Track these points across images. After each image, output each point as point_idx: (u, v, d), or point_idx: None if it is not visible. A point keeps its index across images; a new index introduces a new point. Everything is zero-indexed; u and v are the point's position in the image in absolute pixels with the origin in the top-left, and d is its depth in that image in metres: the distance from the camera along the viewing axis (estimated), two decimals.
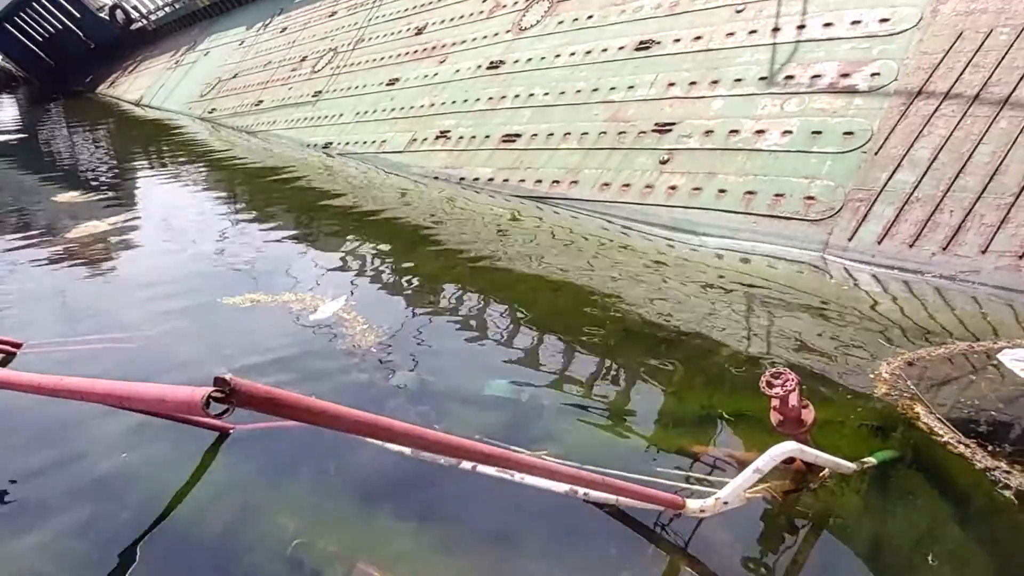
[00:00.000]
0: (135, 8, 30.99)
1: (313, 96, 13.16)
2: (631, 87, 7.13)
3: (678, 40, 7.06)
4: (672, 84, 6.76)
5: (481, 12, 10.52)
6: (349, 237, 7.07)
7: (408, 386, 3.80)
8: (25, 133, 18.77)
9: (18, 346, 4.35)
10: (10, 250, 7.20)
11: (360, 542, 2.68)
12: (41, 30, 35.82)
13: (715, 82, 6.39)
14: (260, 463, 3.24)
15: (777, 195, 5.39)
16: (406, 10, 12.61)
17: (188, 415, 1.13)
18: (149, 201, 9.84)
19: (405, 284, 5.61)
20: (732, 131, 5.95)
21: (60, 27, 34.63)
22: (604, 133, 6.99)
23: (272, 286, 5.52)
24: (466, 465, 2.84)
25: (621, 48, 7.63)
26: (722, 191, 5.69)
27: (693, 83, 6.58)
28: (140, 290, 5.78)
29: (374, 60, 12.28)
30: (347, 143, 10.86)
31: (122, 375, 3.90)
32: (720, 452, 3.09)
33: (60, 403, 3.37)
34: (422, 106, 9.97)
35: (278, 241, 7.29)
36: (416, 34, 11.71)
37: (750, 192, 5.53)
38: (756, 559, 2.49)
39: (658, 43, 7.26)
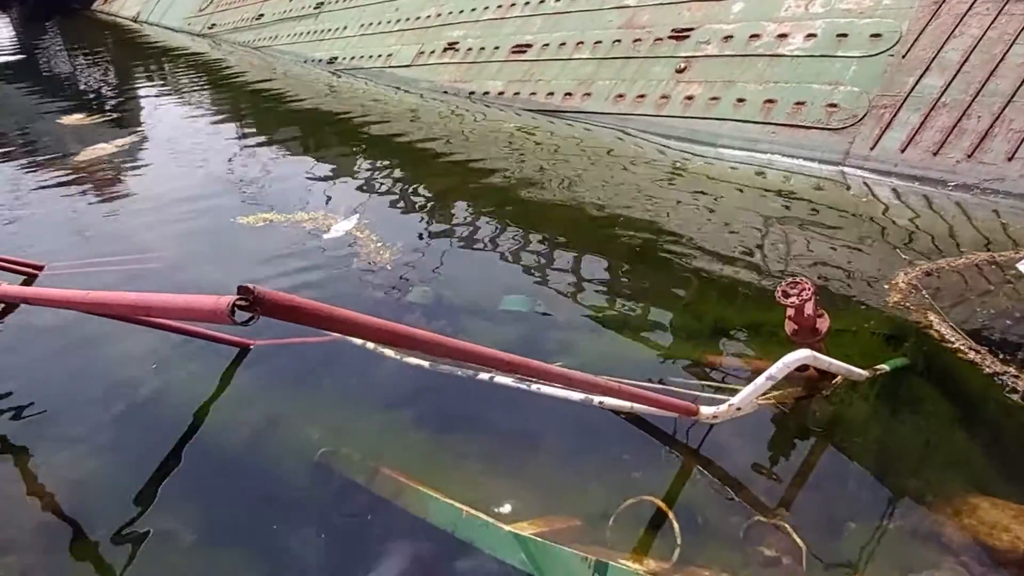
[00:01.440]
0: None
1: (315, 8, 12.68)
2: None
3: None
4: None
5: None
6: (358, 156, 6.99)
7: (424, 302, 3.84)
8: (24, 54, 18.37)
9: (40, 268, 4.42)
10: (22, 174, 7.19)
11: (382, 450, 2.79)
12: None
13: None
14: (281, 377, 3.33)
15: (798, 103, 5.21)
16: None
17: (213, 322, 1.16)
18: (154, 122, 9.71)
19: (417, 202, 5.58)
20: (753, 36, 5.70)
21: None
22: (618, 41, 6.72)
23: (284, 205, 5.51)
24: (483, 376, 2.90)
25: None
26: (740, 100, 5.52)
27: None
28: (154, 212, 5.79)
29: None
30: (352, 58, 10.54)
31: (145, 291, 3.98)
32: (733, 362, 3.13)
33: (85, 322, 3.47)
34: (428, 16, 9.60)
35: (287, 160, 7.22)
36: None
37: (770, 100, 5.35)
38: (766, 463, 2.57)
39: None
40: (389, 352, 3.24)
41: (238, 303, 1.09)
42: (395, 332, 1.30)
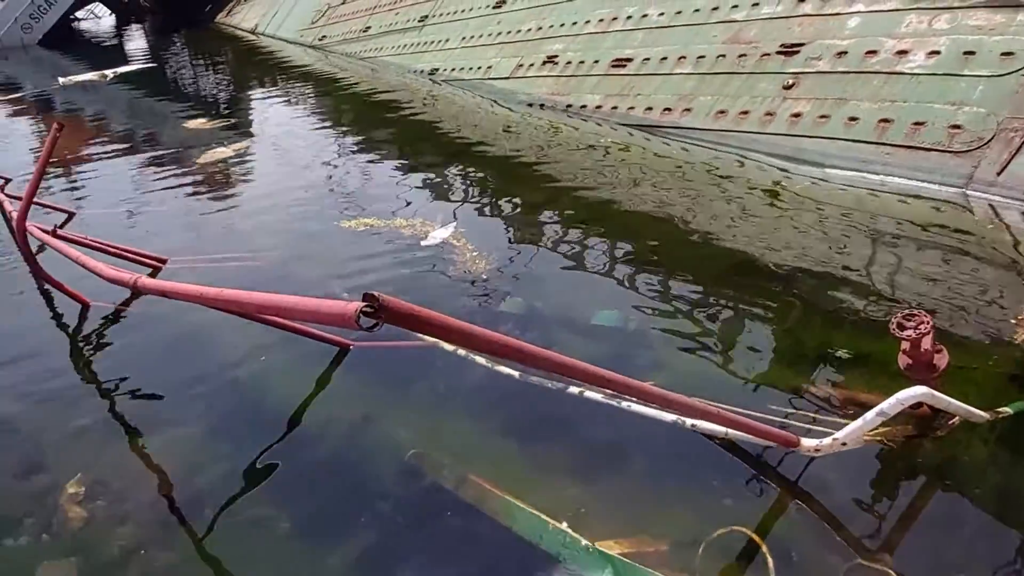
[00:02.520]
0: None
1: (419, 21, 13.11)
2: (755, 5, 6.62)
3: None
4: (803, 1, 6.21)
5: None
6: (455, 164, 7.15)
7: (517, 312, 3.88)
8: (154, 62, 19.96)
9: (164, 262, 4.78)
10: (149, 173, 7.81)
11: (471, 456, 2.83)
12: None
13: None
14: (377, 377, 3.44)
15: (916, 123, 4.93)
16: None
17: (339, 326, 1.22)
18: (266, 127, 10.31)
19: (512, 212, 5.65)
20: (869, 52, 5.44)
21: None
22: (722, 57, 6.58)
23: (384, 211, 5.71)
24: (573, 389, 2.90)
25: None
26: (853, 119, 5.27)
27: None
28: (263, 212, 6.14)
29: None
30: (452, 69, 10.83)
31: (256, 289, 4.23)
32: (837, 393, 2.98)
33: (198, 312, 3.71)
34: (529, 30, 9.73)
35: (387, 166, 7.49)
36: None
37: (885, 120, 5.09)
38: (870, 503, 2.43)
39: None
40: (480, 359, 3.29)
41: (364, 310, 1.14)
42: (505, 344, 1.33)
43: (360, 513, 2.59)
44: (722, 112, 6.25)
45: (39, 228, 4.06)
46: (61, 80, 15.69)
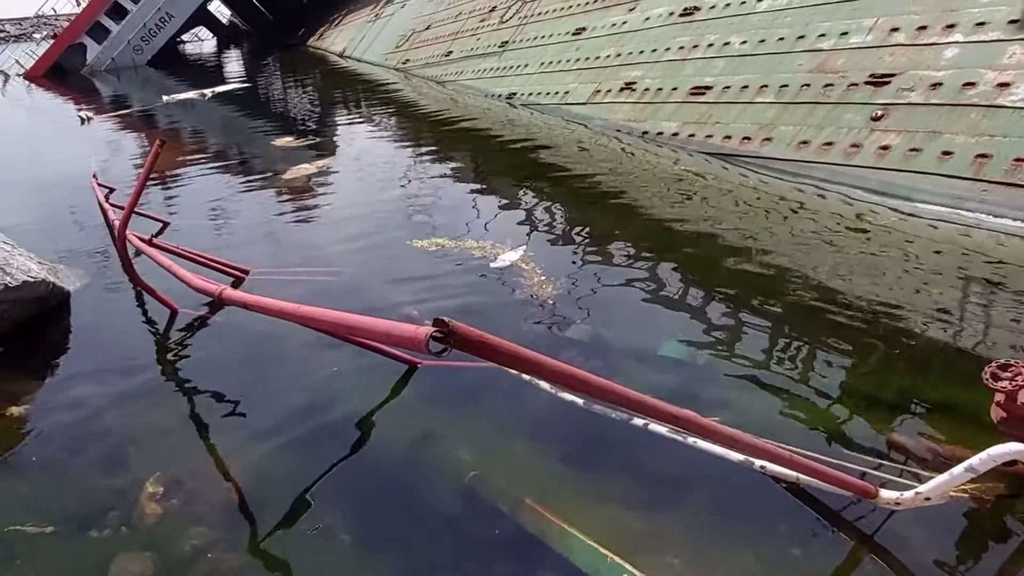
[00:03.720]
0: None
1: (499, 47, 13.38)
2: (844, 34, 6.43)
3: None
4: (895, 30, 5.98)
5: None
6: (528, 187, 7.21)
7: (582, 339, 3.86)
8: (249, 83, 21.10)
9: (246, 272, 5.01)
10: (238, 187, 8.23)
11: (530, 481, 2.81)
12: None
13: (950, 26, 5.56)
14: (443, 397, 3.48)
15: (1018, 159, 4.64)
16: None
17: (410, 349, 1.24)
18: (348, 145, 10.70)
19: (582, 238, 5.64)
20: (967, 84, 5.18)
21: None
22: (807, 86, 6.41)
23: (455, 231, 5.81)
24: (638, 421, 2.85)
25: None
26: (947, 153, 5.01)
27: (922, 28, 5.77)
28: (342, 228, 6.35)
29: (561, 9, 12.17)
30: (530, 94, 10.97)
31: (332, 303, 4.36)
32: (920, 443, 2.81)
33: (272, 323, 3.86)
34: (607, 56, 9.76)
35: (460, 187, 7.63)
36: None
37: (983, 155, 4.81)
38: (954, 564, 2.27)
39: None
40: (544, 384, 3.28)
41: (434, 335, 1.16)
42: (571, 375, 1.32)
43: (417, 531, 2.61)
44: (804, 142, 6.07)
45: (137, 236, 4.33)
46: (165, 98, 16.80)
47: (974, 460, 2.05)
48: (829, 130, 5.93)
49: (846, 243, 4.89)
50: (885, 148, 5.42)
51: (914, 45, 5.76)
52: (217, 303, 4.31)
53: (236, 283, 4.96)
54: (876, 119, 5.63)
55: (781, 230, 5.26)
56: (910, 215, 5.02)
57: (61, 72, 29.09)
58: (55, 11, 35.41)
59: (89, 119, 14.65)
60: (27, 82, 27.93)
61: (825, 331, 3.81)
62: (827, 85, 6.23)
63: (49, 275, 4.70)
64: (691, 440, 2.65)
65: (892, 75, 5.75)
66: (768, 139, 6.42)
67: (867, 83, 5.90)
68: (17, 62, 30.22)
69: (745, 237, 5.22)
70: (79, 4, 31.89)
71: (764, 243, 5.05)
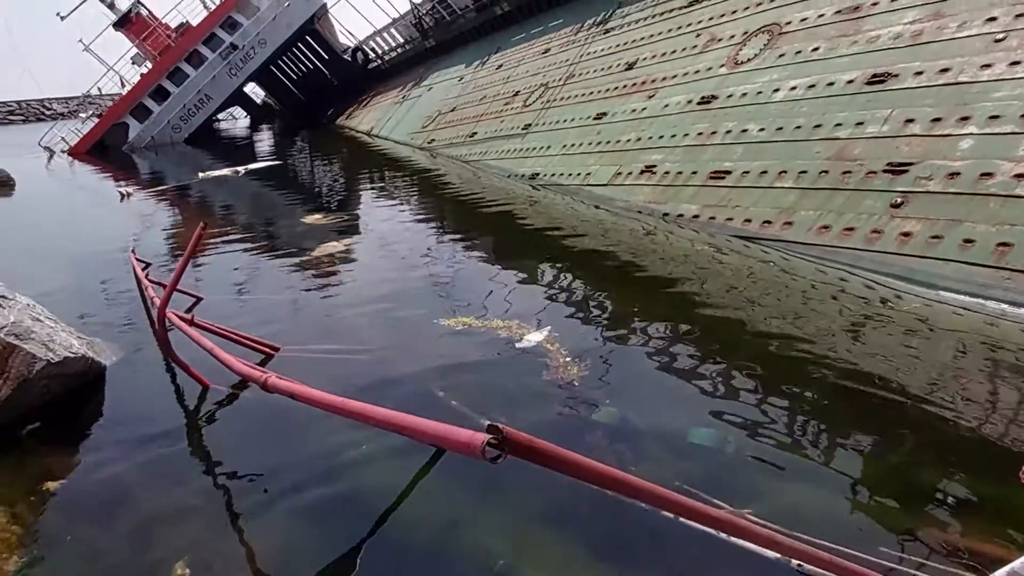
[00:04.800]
0: (372, 50, 35.08)
1: (523, 129, 13.88)
2: (860, 123, 6.63)
3: (920, 73, 6.44)
4: (910, 121, 6.17)
5: (694, 47, 10.43)
6: (552, 266, 7.35)
7: (609, 422, 3.86)
8: (280, 160, 21.94)
9: (276, 350, 5.11)
10: (270, 264, 8.47)
11: (560, 573, 2.78)
12: (296, 70, 41.78)
13: (965, 119, 5.73)
14: (473, 481, 3.47)
15: None
16: (616, 47, 12.88)
17: (464, 454, 1.29)
18: (375, 222, 11.01)
19: (606, 318, 5.70)
20: (984, 174, 5.29)
21: (311, 67, 40.18)
22: (825, 172, 6.57)
23: (480, 310, 5.91)
24: (668, 513, 2.82)
25: (850, 82, 7.13)
26: (968, 241, 5.08)
27: (937, 120, 5.95)
28: (369, 305, 6.48)
29: (583, 95, 12.68)
30: (552, 175, 11.30)
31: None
32: (954, 539, 2.75)
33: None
34: (628, 140, 10.09)
35: (485, 265, 7.79)
36: (626, 69, 11.90)
37: (1004, 244, 4.87)
38: None
39: (895, 76, 6.68)
40: None
41: (490, 442, 1.22)
42: (617, 479, 1.36)
43: None
44: (825, 227, 6.17)
45: (177, 315, 4.47)
46: (200, 175, 17.50)
47: (1016, 564, 2.01)
48: (849, 216, 6.04)
49: (871, 328, 4.91)
50: (906, 235, 5.49)
51: (930, 136, 5.92)
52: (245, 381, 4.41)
53: (266, 360, 5.06)
54: (896, 206, 5.73)
55: (805, 312, 5.29)
56: (936, 301, 5.04)
57: (103, 149, 30.49)
58: (100, 90, 37.40)
59: (128, 195, 15.27)
60: (71, 158, 29.28)
61: (853, 418, 3.79)
62: (845, 172, 6.38)
63: (88, 350, 4.83)
64: (723, 534, 2.62)
65: (910, 164, 5.89)
66: (789, 223, 6.54)
67: (885, 171, 6.04)
68: (63, 139, 31.75)
69: (769, 318, 5.25)
70: (123, 85, 33.74)
71: (789, 325, 5.08)
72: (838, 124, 6.87)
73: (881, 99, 6.65)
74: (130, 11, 33.23)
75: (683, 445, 3.59)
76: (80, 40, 33.10)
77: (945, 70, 6.25)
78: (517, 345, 5.00)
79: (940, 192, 5.50)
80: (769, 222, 6.74)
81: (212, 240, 9.68)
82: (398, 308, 6.37)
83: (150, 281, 6.30)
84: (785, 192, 6.85)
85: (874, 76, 6.90)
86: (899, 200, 5.74)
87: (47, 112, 67.97)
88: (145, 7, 34.18)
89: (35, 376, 4.23)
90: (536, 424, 3.83)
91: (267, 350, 5.08)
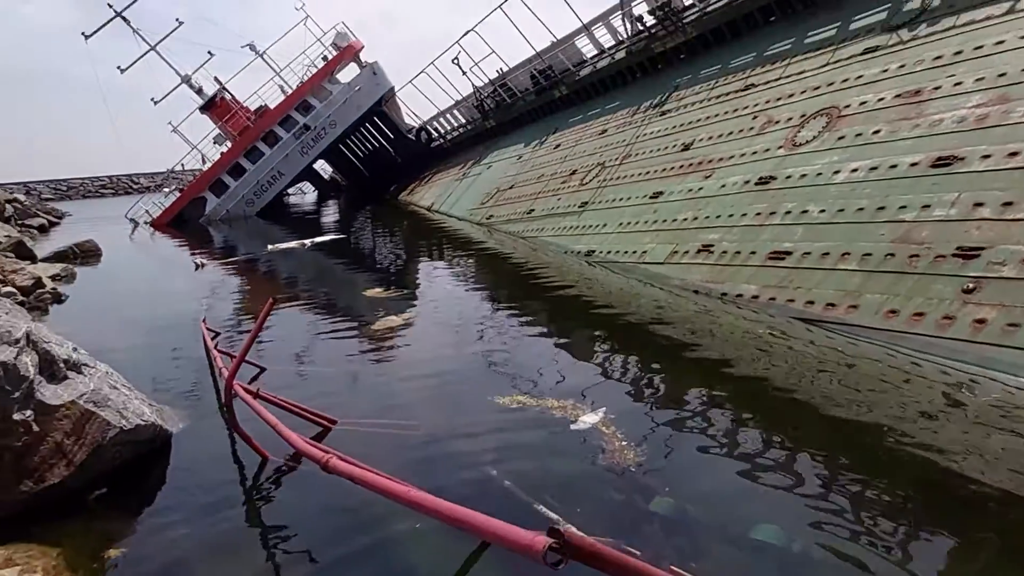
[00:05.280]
0: (435, 129, 36.70)
1: (579, 207, 14.12)
2: (926, 206, 6.50)
3: (987, 156, 6.32)
4: (980, 204, 6.02)
5: (751, 128, 10.54)
6: (607, 345, 7.30)
7: (665, 513, 3.74)
8: (344, 233, 22.81)
9: (334, 423, 5.19)
10: (331, 336, 8.71)
11: None
12: (362, 148, 43.92)
13: None
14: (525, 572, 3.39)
15: None
16: (673, 128, 13.13)
17: (523, 555, 1.28)
18: (432, 296, 11.24)
19: (663, 400, 5.59)
20: None
21: (377, 145, 42.19)
22: (891, 255, 6.41)
23: (535, 387, 5.89)
24: None
25: (914, 164, 7.04)
26: None
27: (1008, 204, 5.79)
28: (425, 380, 6.55)
29: (639, 174, 12.88)
30: (608, 252, 11.37)
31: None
32: None
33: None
34: (685, 219, 10.13)
35: (540, 341, 7.80)
36: (682, 150, 12.08)
37: None
38: None
39: (961, 159, 6.57)
40: None
41: (552, 546, 1.21)
42: None
43: None
44: (893, 312, 5.97)
45: (242, 387, 4.63)
46: (269, 247, 18.34)
47: None
48: (918, 300, 5.84)
49: (947, 417, 4.65)
50: (981, 322, 5.26)
51: (1001, 220, 5.75)
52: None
53: (323, 433, 5.14)
54: (968, 291, 5.53)
55: (876, 399, 5.07)
56: (1017, 389, 4.76)
57: (182, 221, 32.46)
58: (183, 166, 40.06)
59: (202, 265, 16.11)
60: (152, 229, 31.24)
61: (930, 518, 3.56)
62: (912, 255, 6.22)
63: (157, 417, 5.02)
64: None
65: (981, 248, 5.70)
66: (854, 306, 6.36)
67: (955, 255, 5.86)
68: (147, 212, 34.01)
69: (838, 405, 5.05)
70: (204, 162, 36.14)
71: (859, 412, 4.87)
72: (903, 207, 6.75)
73: (947, 182, 6.53)
74: (215, 96, 35.89)
75: (746, 541, 3.44)
76: (169, 122, 35.90)
77: (1014, 153, 6.11)
78: (572, 426, 4.94)
79: (1016, 278, 5.28)
80: (833, 304, 6.57)
81: (277, 311, 10.05)
82: (454, 383, 6.42)
83: (219, 351, 6.55)
84: (849, 274, 6.70)
85: (939, 159, 6.80)
86: (971, 285, 5.54)
87: (135, 186, 73.17)
88: (229, 92, 36.92)
89: (108, 442, 4.41)
90: (591, 513, 3.74)
91: (325, 423, 5.17)
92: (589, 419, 5.00)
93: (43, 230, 29.67)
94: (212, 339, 7.51)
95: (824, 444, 4.45)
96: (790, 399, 5.27)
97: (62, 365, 4.48)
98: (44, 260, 16.78)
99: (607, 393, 5.76)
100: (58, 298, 11.84)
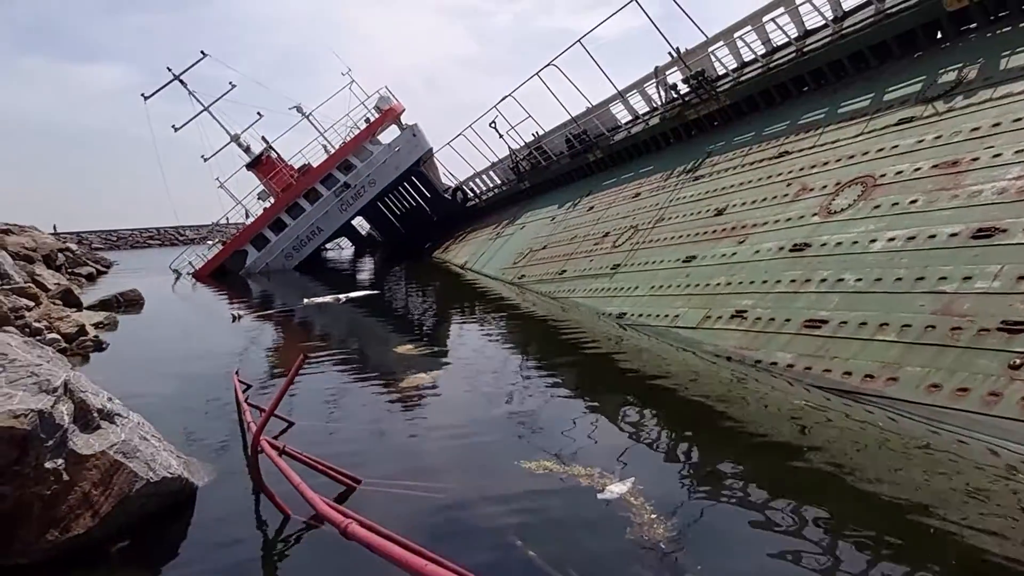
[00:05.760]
0: (471, 189, 37.49)
1: (611, 269, 14.14)
2: (967, 278, 6.35)
3: None
4: (1023, 278, 5.86)
5: (785, 195, 10.53)
6: (637, 411, 7.17)
7: None
8: (377, 289, 23.14)
9: (358, 482, 5.14)
10: (360, 392, 8.72)
11: None
12: (399, 206, 44.97)
13: None
14: None
15: None
16: (706, 192, 13.19)
17: None
18: (462, 355, 11.23)
19: (694, 471, 5.42)
20: None
21: (414, 204, 43.17)
22: (931, 328, 6.24)
23: (562, 451, 5.78)
24: None
25: (953, 235, 6.93)
26: None
27: None
28: (451, 440, 6.49)
29: (672, 238, 12.90)
30: (640, 315, 11.29)
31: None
32: None
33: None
34: (718, 284, 10.05)
35: (569, 404, 7.69)
36: (715, 215, 12.09)
37: None
38: None
39: (1004, 231, 6.44)
40: None
41: None
42: None
43: None
44: (935, 386, 5.77)
45: (269, 442, 4.64)
46: (305, 300, 18.67)
47: None
48: (962, 375, 5.64)
49: (1001, 501, 4.41)
50: None
51: None
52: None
53: (347, 492, 5.09)
54: (1015, 368, 5.32)
55: (918, 479, 4.84)
56: None
57: (223, 272, 33.36)
58: (227, 220, 41.39)
59: (239, 317, 16.43)
60: (194, 280, 32.14)
61: None
62: (954, 328, 6.04)
63: (184, 470, 5.04)
64: None
65: None
66: (893, 379, 6.17)
67: (1000, 329, 5.68)
68: (190, 263, 35.09)
69: (876, 484, 4.83)
70: (248, 216, 37.34)
71: (900, 492, 4.64)
72: (942, 278, 6.60)
73: (989, 254, 6.39)
74: (261, 154, 37.36)
75: None
76: (216, 178, 37.35)
77: None
78: (599, 496, 4.81)
79: None
80: (871, 376, 6.38)
81: (309, 364, 10.13)
82: (480, 445, 6.34)
83: (248, 404, 6.61)
84: (887, 346, 6.52)
85: (980, 230, 6.68)
86: (1018, 361, 5.34)
87: (180, 237, 75.74)
88: (275, 150, 38.43)
89: (135, 494, 4.43)
90: None
91: (349, 482, 5.13)
92: (617, 489, 4.86)
93: (91, 278, 30.74)
94: (243, 392, 7.59)
95: (865, 525, 4.24)
96: (828, 476, 5.06)
97: (96, 415, 4.56)
98: (89, 308, 17.32)
99: (636, 461, 5.62)
100: (99, 345, 12.14)
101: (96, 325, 14.07)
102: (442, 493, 5.03)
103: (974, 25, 9.73)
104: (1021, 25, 8.90)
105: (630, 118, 20.81)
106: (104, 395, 4.94)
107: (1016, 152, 7.14)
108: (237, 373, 8.76)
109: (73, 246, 40.60)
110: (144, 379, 9.86)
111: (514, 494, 4.99)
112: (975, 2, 9.44)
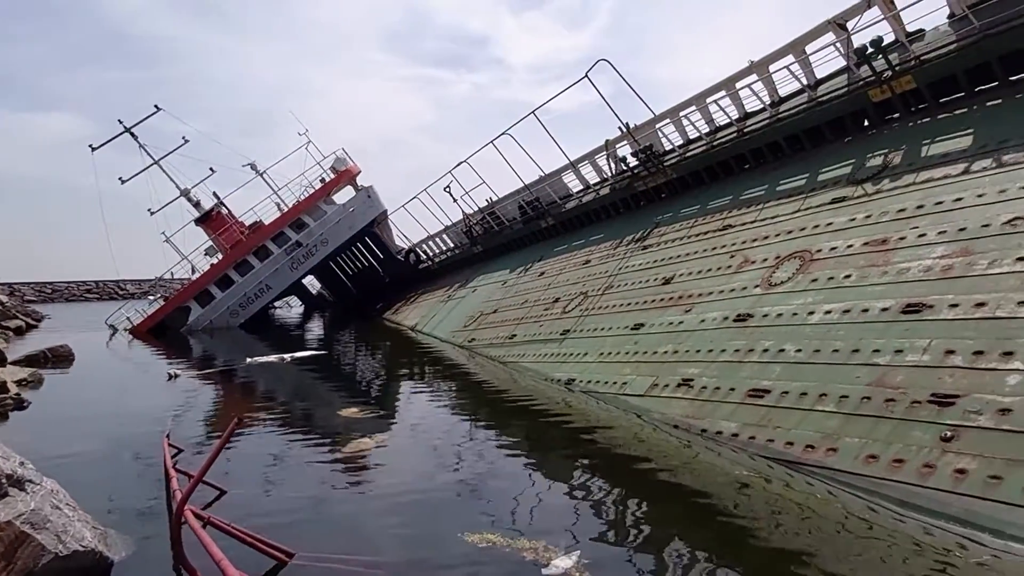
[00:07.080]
0: (424, 252, 37.56)
1: (561, 334, 14.20)
2: (899, 351, 6.60)
3: (955, 305, 6.52)
4: (951, 352, 6.12)
5: (729, 266, 10.88)
6: (585, 479, 7.07)
7: None
8: (326, 349, 22.64)
9: (291, 556, 4.86)
10: (299, 459, 8.37)
11: None
12: (352, 266, 44.63)
13: (1008, 354, 5.65)
14: None
15: None
16: (655, 261, 13.53)
17: None
18: (409, 418, 10.98)
19: (641, 545, 5.33)
20: None
21: (366, 264, 42.91)
22: (867, 399, 6.42)
23: (507, 523, 5.64)
24: None
25: (885, 309, 7.23)
26: None
27: (979, 353, 5.89)
28: (393, 511, 6.24)
29: (621, 305, 13.09)
30: (588, 381, 11.30)
31: None
32: None
33: None
34: (665, 352, 10.18)
35: (515, 471, 7.53)
36: (663, 283, 12.37)
37: None
38: None
39: (930, 307, 6.76)
40: None
41: None
42: None
43: None
44: (873, 457, 5.88)
45: (194, 513, 4.37)
46: (248, 360, 18.08)
47: None
48: (897, 446, 5.78)
49: None
50: (961, 472, 5.18)
51: (974, 368, 5.82)
52: None
53: (278, 568, 4.81)
54: (946, 440, 5.48)
55: (861, 556, 4.85)
56: (1003, 552, 4.59)
57: (163, 329, 32.14)
58: (172, 274, 40.22)
59: (176, 376, 15.76)
60: (131, 336, 30.83)
61: None
62: (888, 400, 6.22)
63: (99, 543, 4.69)
64: None
65: (956, 396, 5.73)
66: (833, 449, 6.27)
67: (931, 401, 5.87)
68: (128, 319, 33.70)
69: (819, 557, 4.82)
70: (193, 272, 36.35)
71: (844, 570, 4.63)
72: (876, 350, 6.84)
73: (919, 328, 6.67)
74: (212, 210, 36.77)
75: None
76: (163, 232, 36.39)
77: (981, 304, 6.31)
78: (544, 572, 4.67)
79: (993, 428, 5.26)
80: (812, 447, 6.48)
81: (247, 428, 9.72)
82: (423, 516, 6.12)
83: (177, 471, 6.25)
84: (827, 416, 6.66)
85: (908, 305, 7.00)
86: (949, 434, 5.50)
87: (120, 292, 73.07)
88: (225, 206, 37.90)
89: (40, 569, 4.08)
90: None
91: (281, 556, 4.85)
92: (562, 563, 4.73)
93: (19, 332, 29.20)
94: (173, 456, 7.19)
95: None
96: (772, 551, 5.04)
97: (4, 481, 4.23)
98: (14, 363, 16.37)
99: (582, 531, 5.51)
100: (20, 404, 11.43)
101: (19, 382, 13.28)
102: (379, 569, 4.79)
103: (897, 115, 10.47)
104: (939, 116, 9.62)
105: (581, 187, 21.40)
106: (16, 459, 4.60)
107: (939, 232, 7.58)
108: (168, 436, 8.33)
109: (3, 297, 38.65)
110: (67, 440, 9.27)
111: (456, 570, 4.79)
112: (896, 94, 10.19)
